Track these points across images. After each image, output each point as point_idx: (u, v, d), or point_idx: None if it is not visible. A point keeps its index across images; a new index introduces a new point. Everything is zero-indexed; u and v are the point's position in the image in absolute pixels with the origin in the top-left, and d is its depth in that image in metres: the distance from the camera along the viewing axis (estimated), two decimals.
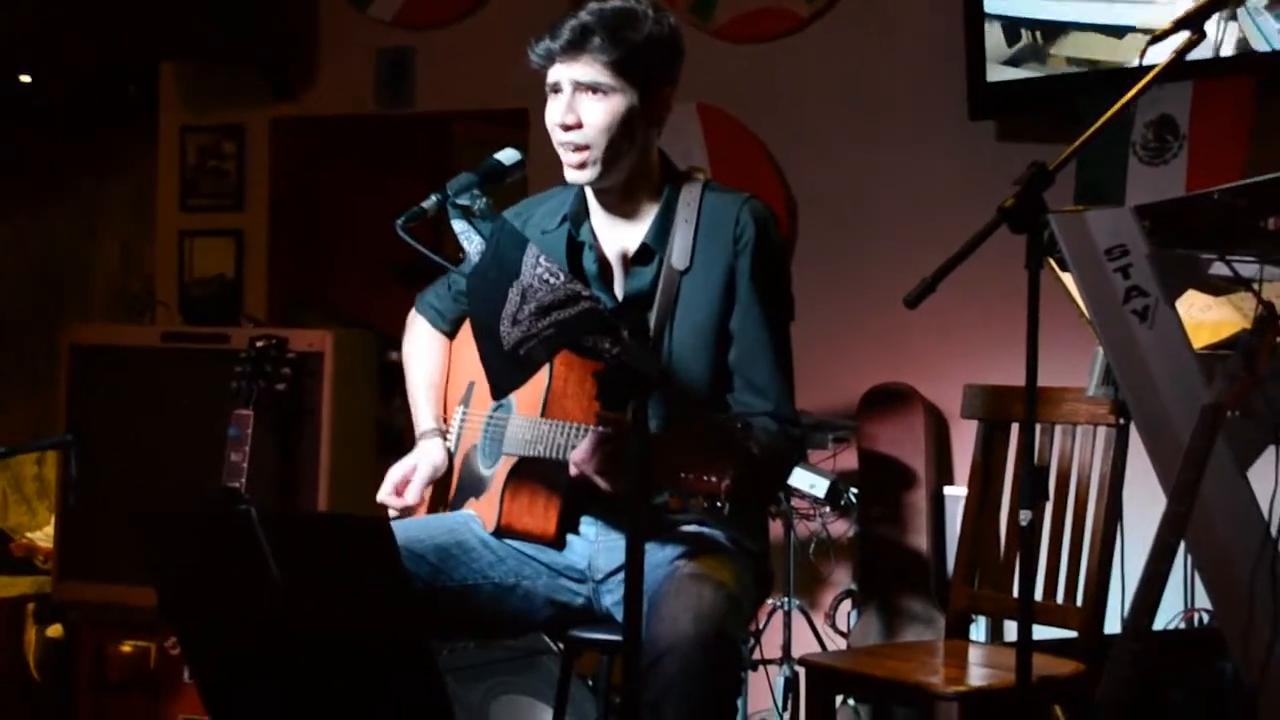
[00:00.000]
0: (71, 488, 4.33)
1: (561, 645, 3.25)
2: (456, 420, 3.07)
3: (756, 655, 4.38)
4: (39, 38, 5.90)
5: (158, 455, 4.30)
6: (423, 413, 3.09)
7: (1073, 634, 3.31)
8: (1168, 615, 3.98)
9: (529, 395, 2.81)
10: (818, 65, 4.93)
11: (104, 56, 5.88)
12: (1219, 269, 3.05)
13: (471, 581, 2.84)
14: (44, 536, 5.27)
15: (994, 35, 4.46)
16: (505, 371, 2.60)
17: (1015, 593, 3.28)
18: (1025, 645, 2.61)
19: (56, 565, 4.52)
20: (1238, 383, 2.82)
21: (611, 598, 2.83)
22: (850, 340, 4.82)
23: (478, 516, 2.92)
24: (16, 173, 6.85)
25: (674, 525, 2.82)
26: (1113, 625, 3.24)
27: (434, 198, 2.68)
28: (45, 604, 4.74)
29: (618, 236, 2.88)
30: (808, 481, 4.24)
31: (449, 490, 3.06)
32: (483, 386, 2.79)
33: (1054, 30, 4.41)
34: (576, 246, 2.89)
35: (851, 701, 4.27)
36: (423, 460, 3.00)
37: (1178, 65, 2.71)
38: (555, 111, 2.78)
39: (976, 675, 3.24)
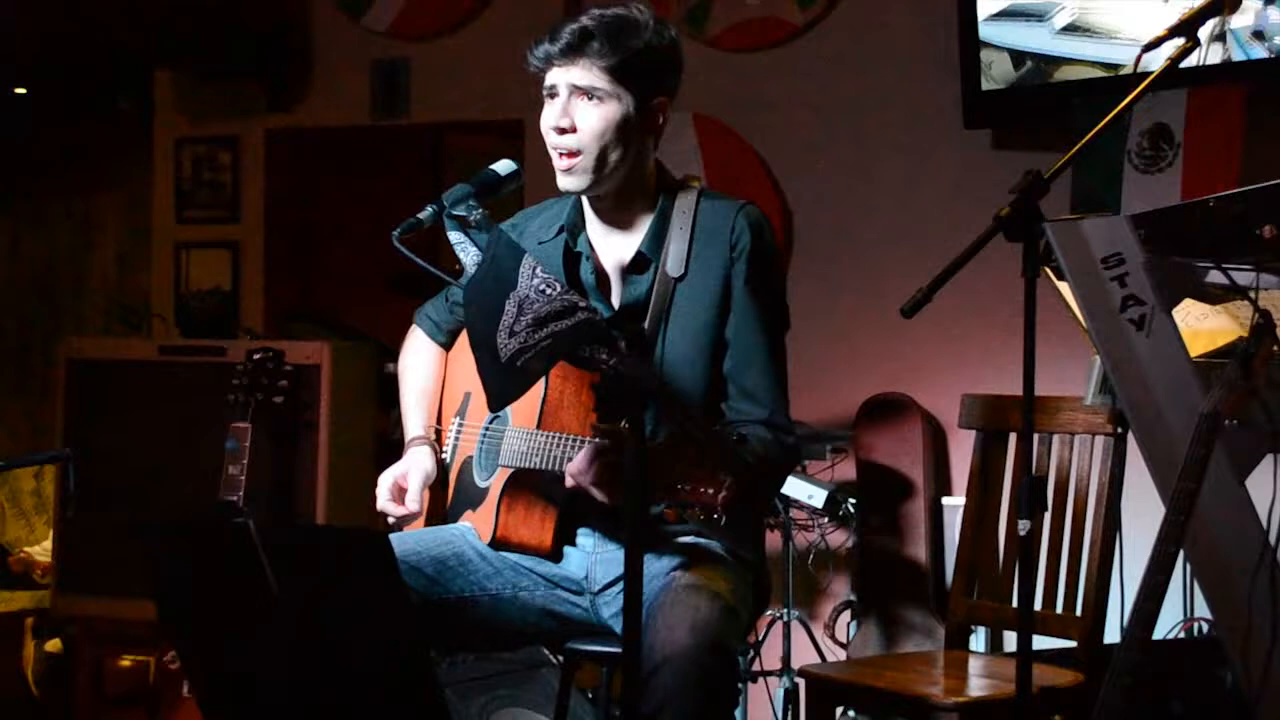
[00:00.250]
0: (69, 502, 4.31)
1: (560, 657, 3.24)
2: (453, 432, 3.07)
3: (756, 667, 4.37)
4: (33, 49, 5.90)
5: (155, 469, 4.30)
6: (412, 420, 3.08)
7: (1072, 644, 3.31)
8: (1167, 625, 3.98)
9: (525, 407, 2.80)
10: (812, 74, 4.93)
11: (99, 67, 5.89)
12: (1215, 277, 3.05)
13: (469, 594, 2.84)
14: (42, 551, 5.26)
15: (1001, 63, 4.47)
16: (502, 383, 2.59)
17: (1014, 603, 3.28)
18: (1025, 655, 2.60)
19: (55, 580, 4.51)
20: (1235, 391, 2.81)
21: (609, 609, 2.83)
22: (847, 351, 4.82)
23: (474, 528, 2.92)
24: (12, 184, 6.85)
25: (670, 536, 2.81)
26: (1112, 635, 3.24)
27: (430, 209, 2.68)
28: (44, 619, 4.75)
29: (614, 246, 2.88)
30: (806, 492, 4.24)
31: (445, 502, 3.05)
32: (479, 398, 2.79)
33: (1054, 61, 4.43)
34: (574, 257, 2.89)
35: (851, 713, 4.26)
36: (413, 467, 2.98)
37: (1171, 73, 2.71)
38: (550, 115, 2.77)
39: (976, 686, 3.24)
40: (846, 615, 4.67)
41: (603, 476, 2.60)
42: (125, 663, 4.37)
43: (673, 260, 2.82)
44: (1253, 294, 2.97)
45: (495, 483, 2.88)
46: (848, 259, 4.88)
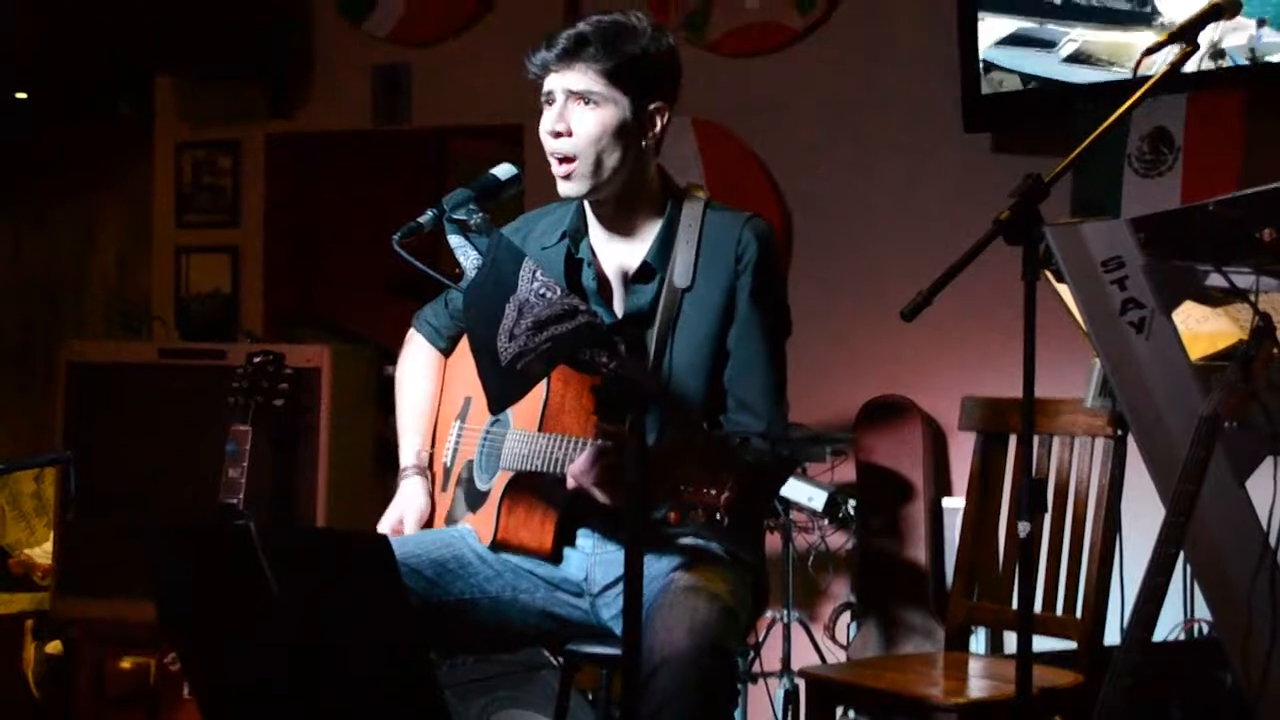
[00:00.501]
0: (70, 504, 4.32)
1: (560, 659, 3.25)
2: (453, 435, 3.07)
3: (756, 668, 4.37)
4: (35, 53, 5.90)
5: (156, 471, 4.30)
6: (406, 443, 3.09)
7: (1072, 645, 3.31)
8: (1167, 626, 3.98)
9: (526, 409, 2.81)
10: (812, 78, 4.94)
11: (100, 71, 5.89)
12: (1215, 280, 3.05)
13: (469, 596, 2.84)
14: (42, 553, 5.26)
15: (1011, 83, 4.47)
16: (502, 386, 2.60)
17: (1014, 604, 3.28)
18: (1025, 657, 2.60)
19: (55, 582, 4.51)
20: (1235, 394, 2.82)
21: (609, 611, 2.83)
22: (847, 353, 4.82)
23: (474, 530, 2.92)
24: (14, 187, 6.85)
25: (669, 537, 2.82)
26: (1112, 636, 3.24)
27: (430, 213, 2.68)
28: (44, 621, 4.74)
29: (617, 253, 2.88)
30: (806, 494, 4.24)
31: (446, 505, 3.05)
32: (480, 401, 2.79)
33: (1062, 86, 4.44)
34: (575, 263, 2.89)
35: (851, 714, 4.26)
36: (408, 509, 3.01)
37: (1171, 77, 2.72)
38: (546, 120, 2.78)
39: (976, 687, 3.25)
40: (846, 617, 4.67)
41: (604, 478, 2.61)
42: (126, 664, 4.37)
43: (680, 271, 2.81)
44: (1252, 297, 2.98)
45: (496, 485, 2.89)
46: (848, 262, 4.88)
